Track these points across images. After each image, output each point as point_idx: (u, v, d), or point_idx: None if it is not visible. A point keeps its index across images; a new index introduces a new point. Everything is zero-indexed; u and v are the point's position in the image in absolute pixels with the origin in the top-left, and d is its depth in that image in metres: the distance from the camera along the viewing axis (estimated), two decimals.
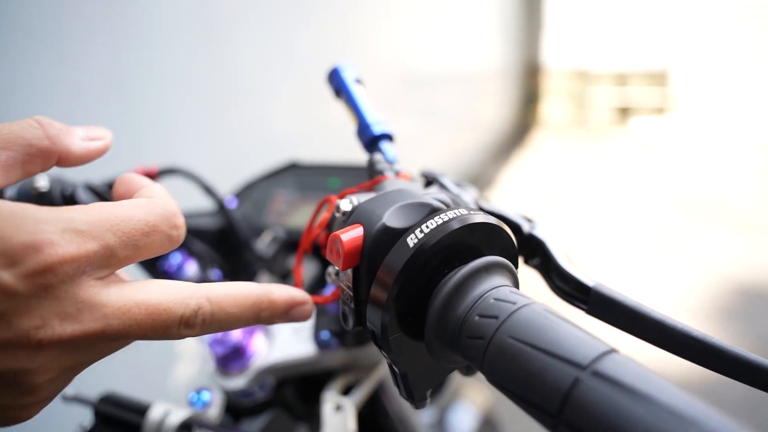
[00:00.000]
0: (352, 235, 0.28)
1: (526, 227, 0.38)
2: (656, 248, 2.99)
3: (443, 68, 3.79)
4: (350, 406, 0.48)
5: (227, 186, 0.84)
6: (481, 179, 4.56)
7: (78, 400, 0.49)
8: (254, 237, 0.59)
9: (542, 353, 0.21)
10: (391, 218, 0.28)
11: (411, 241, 0.26)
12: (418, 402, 0.30)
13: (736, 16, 5.67)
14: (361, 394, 0.50)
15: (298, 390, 0.56)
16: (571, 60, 6.57)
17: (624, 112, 6.48)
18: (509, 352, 0.22)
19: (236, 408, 0.52)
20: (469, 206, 0.37)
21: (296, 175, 0.68)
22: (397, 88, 2.95)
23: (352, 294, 0.29)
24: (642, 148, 5.39)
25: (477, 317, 0.24)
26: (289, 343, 0.52)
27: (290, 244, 0.60)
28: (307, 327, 0.52)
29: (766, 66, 5.61)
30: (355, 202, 0.31)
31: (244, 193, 0.69)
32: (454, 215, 0.27)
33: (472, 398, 1.08)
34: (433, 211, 0.29)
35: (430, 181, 0.40)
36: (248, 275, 0.60)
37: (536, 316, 0.23)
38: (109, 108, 1.14)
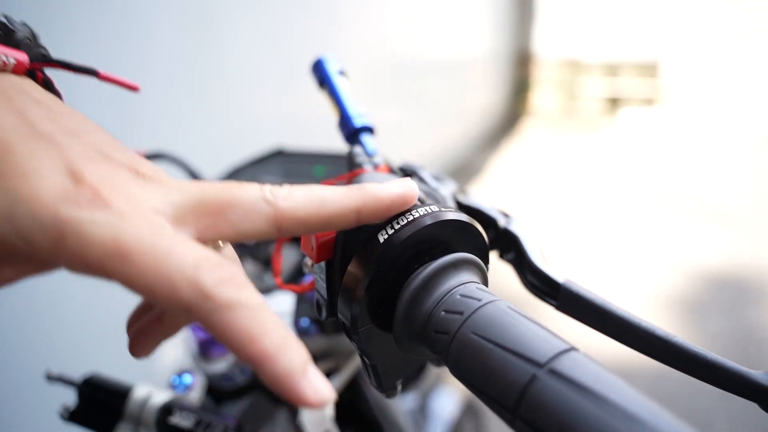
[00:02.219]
0: None
1: (501, 222, 0.39)
2: (639, 239, 3.02)
3: (432, 56, 3.78)
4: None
5: (214, 170, 0.84)
6: (469, 168, 4.57)
7: (62, 380, 0.49)
8: None
9: (503, 350, 0.22)
10: None
11: (381, 236, 0.27)
12: (387, 391, 0.31)
13: (728, 8, 5.69)
14: (339, 380, 0.51)
15: None
16: (562, 50, 6.58)
17: (614, 102, 6.50)
18: (472, 347, 0.23)
19: (218, 391, 0.53)
20: (445, 200, 0.38)
21: (282, 162, 0.68)
22: (385, 75, 2.95)
23: (325, 285, 0.29)
24: (631, 139, 5.43)
25: (443, 313, 0.25)
26: None
27: None
28: (287, 314, 0.53)
29: (757, 59, 5.65)
30: None
31: (230, 179, 0.70)
32: (425, 212, 0.28)
33: (454, 384, 1.10)
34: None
35: (408, 174, 0.40)
36: None
37: (499, 313, 0.24)
38: (94, 91, 1.13)
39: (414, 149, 3.56)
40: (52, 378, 0.50)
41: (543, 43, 6.59)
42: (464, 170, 4.51)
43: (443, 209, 0.28)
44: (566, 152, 5.05)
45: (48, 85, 0.26)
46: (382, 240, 0.27)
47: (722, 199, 3.67)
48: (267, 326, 0.19)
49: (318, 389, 0.18)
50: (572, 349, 0.22)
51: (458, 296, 0.26)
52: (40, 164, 0.20)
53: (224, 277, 0.19)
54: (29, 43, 0.26)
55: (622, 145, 5.23)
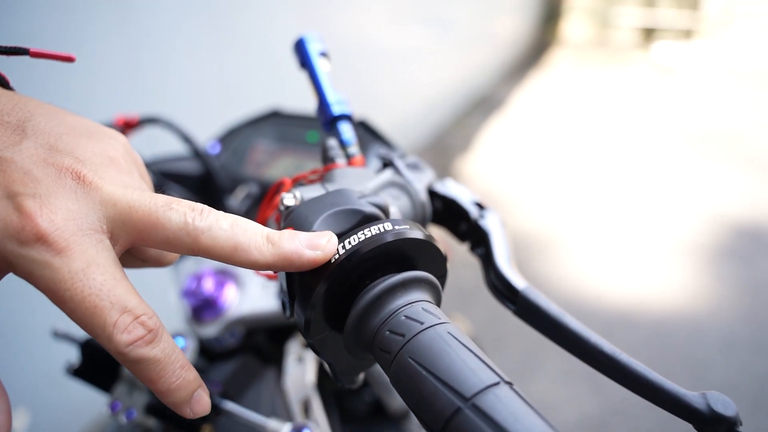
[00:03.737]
0: None
1: (474, 215, 0.40)
2: (660, 180, 2.97)
3: None
4: (311, 359, 0.52)
5: (212, 130, 0.84)
6: (491, 100, 4.45)
7: (68, 337, 0.53)
8: (228, 194, 0.61)
9: (434, 379, 0.24)
10: (321, 226, 0.29)
11: (334, 256, 0.27)
12: (347, 385, 0.32)
13: None
14: None
15: (268, 334, 0.60)
16: None
17: (649, 33, 6.17)
18: (408, 371, 0.25)
19: (209, 351, 0.57)
20: (417, 194, 0.38)
21: (277, 125, 0.68)
22: None
23: (286, 290, 0.31)
24: (664, 75, 5.19)
25: (387, 332, 0.26)
26: (258, 297, 0.55)
27: (264, 198, 0.61)
28: (275, 283, 0.55)
29: None
30: (299, 198, 0.33)
31: (227, 139, 0.70)
32: (382, 229, 0.28)
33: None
34: (365, 220, 0.30)
35: (386, 164, 0.40)
36: None
37: (437, 339, 0.25)
38: (104, 24, 1.12)
39: (434, 76, 3.47)
40: (58, 335, 0.53)
41: None
42: (486, 102, 4.40)
43: (402, 227, 0.28)
44: (594, 87, 4.87)
45: None
46: (332, 260, 0.27)
47: (753, 142, 3.54)
48: (162, 375, 0.24)
49: (196, 411, 0.26)
50: (500, 383, 0.23)
51: (402, 317, 0.27)
52: None
53: (135, 337, 0.23)
54: None
55: (654, 80, 5.02)
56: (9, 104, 0.25)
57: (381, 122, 0.82)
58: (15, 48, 0.28)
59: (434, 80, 3.49)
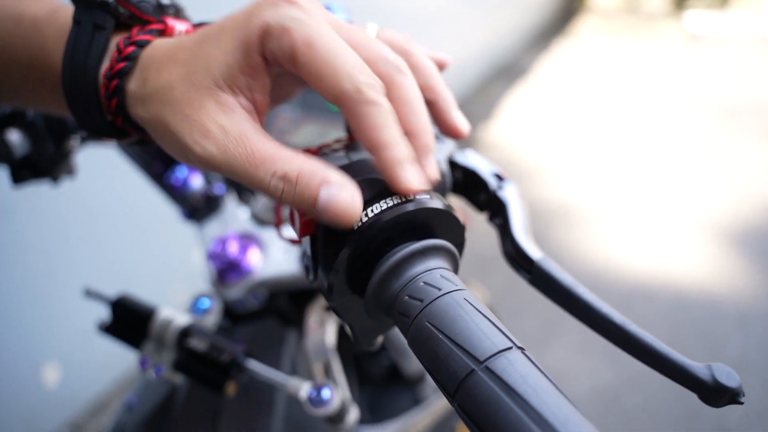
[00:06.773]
0: None
1: (492, 185, 0.40)
2: (687, 154, 2.91)
3: None
4: (331, 323, 0.54)
5: None
6: (515, 68, 4.37)
7: (98, 296, 0.55)
8: None
9: (450, 342, 0.25)
10: None
11: (356, 223, 0.29)
12: (366, 348, 0.34)
13: None
14: None
15: (290, 297, 0.62)
16: None
17: (681, 1, 5.96)
18: (425, 334, 0.26)
19: (233, 313, 0.59)
20: (438, 164, 0.39)
21: (300, 92, 0.69)
22: None
23: (310, 255, 0.32)
24: (696, 45, 5.03)
25: (407, 297, 0.28)
26: (281, 261, 0.57)
27: None
28: (297, 247, 0.57)
29: None
30: None
31: None
32: (400, 200, 0.29)
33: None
34: (386, 190, 0.31)
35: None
36: (251, 191, 0.64)
37: (453, 305, 0.26)
38: None
39: (456, 42, 3.41)
40: (90, 294, 0.56)
41: None
42: (510, 70, 4.32)
43: (422, 197, 0.29)
44: (622, 57, 4.74)
45: None
46: (355, 227, 0.28)
47: None
48: (387, 124, 0.27)
49: (411, 182, 0.28)
50: (512, 348, 0.24)
51: (421, 283, 0.28)
52: None
53: (371, 82, 0.26)
54: None
55: (686, 52, 4.86)
56: None
57: None
58: None
59: (456, 46, 3.43)
